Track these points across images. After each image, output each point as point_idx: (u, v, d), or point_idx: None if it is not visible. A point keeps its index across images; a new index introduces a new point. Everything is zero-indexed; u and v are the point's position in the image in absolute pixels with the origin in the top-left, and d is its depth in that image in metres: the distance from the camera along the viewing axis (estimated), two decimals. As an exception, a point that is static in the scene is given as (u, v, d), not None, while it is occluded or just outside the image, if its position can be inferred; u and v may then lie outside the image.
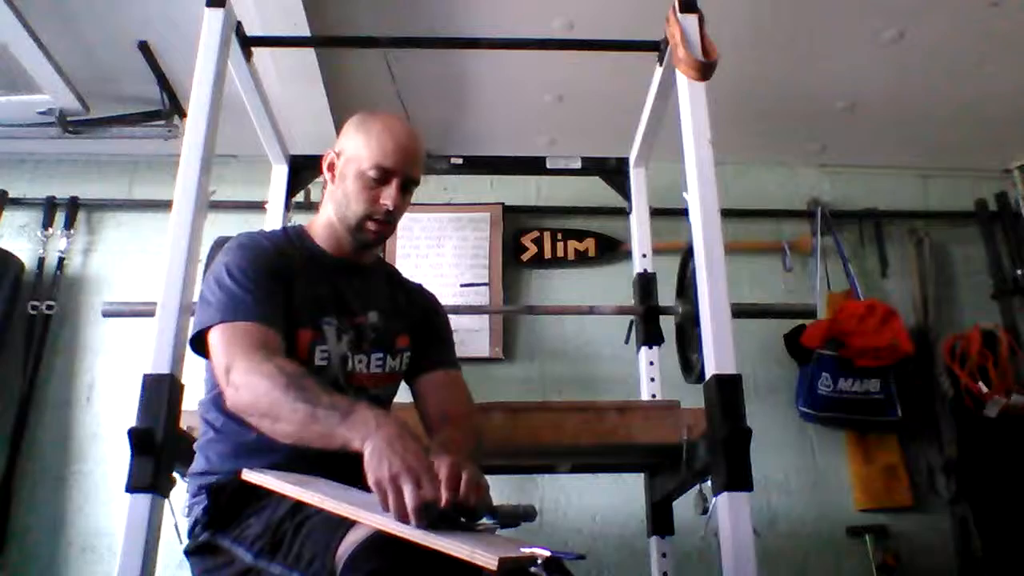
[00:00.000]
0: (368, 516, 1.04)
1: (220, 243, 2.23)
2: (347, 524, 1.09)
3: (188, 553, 1.34)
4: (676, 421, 1.84)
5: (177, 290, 1.64)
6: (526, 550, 0.98)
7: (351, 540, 1.08)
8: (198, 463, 1.40)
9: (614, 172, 2.56)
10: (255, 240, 1.44)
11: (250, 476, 1.20)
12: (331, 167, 1.49)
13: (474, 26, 2.45)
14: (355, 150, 1.44)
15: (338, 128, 2.77)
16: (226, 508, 1.29)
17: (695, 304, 1.78)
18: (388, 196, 1.42)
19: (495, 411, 1.87)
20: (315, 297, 1.41)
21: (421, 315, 1.60)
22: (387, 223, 1.46)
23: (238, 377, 1.22)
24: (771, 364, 2.92)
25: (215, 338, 1.29)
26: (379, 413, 1.15)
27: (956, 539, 2.76)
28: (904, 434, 2.87)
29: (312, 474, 1.27)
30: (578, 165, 2.57)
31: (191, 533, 1.35)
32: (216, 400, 1.37)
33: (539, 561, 0.97)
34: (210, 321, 1.31)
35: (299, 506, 1.18)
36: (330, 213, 1.48)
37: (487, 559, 0.90)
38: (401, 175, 1.43)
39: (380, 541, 1.04)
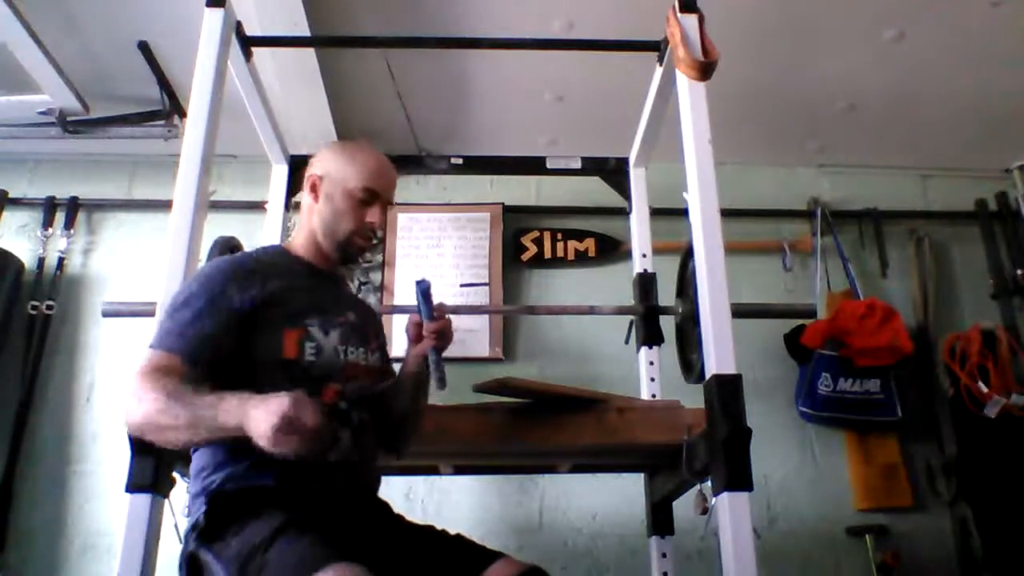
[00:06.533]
0: None
1: (220, 243, 2.24)
2: (312, 565, 1.13)
3: (181, 562, 1.35)
4: (676, 421, 1.84)
5: (177, 290, 1.64)
6: None
7: None
8: (202, 459, 1.40)
9: (614, 172, 2.56)
10: (219, 267, 1.46)
11: None
12: (314, 188, 1.57)
13: (474, 26, 2.45)
14: (340, 172, 1.56)
15: (338, 128, 2.82)
16: (218, 518, 1.30)
17: (695, 304, 1.78)
18: (374, 215, 1.55)
19: (495, 411, 1.87)
20: (297, 302, 1.47)
21: (377, 320, 1.72)
22: (371, 240, 1.59)
23: (131, 404, 1.26)
24: (771, 364, 2.91)
25: (140, 363, 1.32)
26: (242, 395, 1.23)
27: (956, 539, 2.76)
28: (904, 434, 2.87)
29: (308, 473, 1.31)
30: (578, 165, 2.58)
31: (186, 536, 1.35)
32: None
33: None
34: (150, 344, 1.36)
35: (275, 535, 1.22)
36: (314, 228, 1.56)
37: None
38: (384, 197, 1.57)
39: None
